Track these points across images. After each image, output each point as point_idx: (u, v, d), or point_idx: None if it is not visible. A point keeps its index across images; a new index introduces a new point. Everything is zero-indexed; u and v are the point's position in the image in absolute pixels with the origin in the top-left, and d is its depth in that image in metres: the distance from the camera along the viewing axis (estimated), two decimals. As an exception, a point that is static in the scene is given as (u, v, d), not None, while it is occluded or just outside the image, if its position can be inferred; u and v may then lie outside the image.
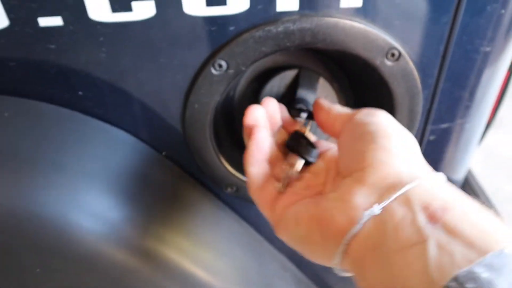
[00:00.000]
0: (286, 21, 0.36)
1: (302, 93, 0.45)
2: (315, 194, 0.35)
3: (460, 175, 0.55)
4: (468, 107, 0.46)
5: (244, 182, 0.47)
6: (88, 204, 0.37)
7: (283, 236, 0.34)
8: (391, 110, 0.42)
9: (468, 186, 0.64)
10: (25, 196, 0.34)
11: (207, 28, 0.36)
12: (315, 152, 0.37)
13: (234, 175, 0.46)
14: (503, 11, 0.39)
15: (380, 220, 0.27)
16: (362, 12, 0.37)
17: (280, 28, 0.36)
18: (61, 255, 0.36)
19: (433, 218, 0.26)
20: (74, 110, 0.40)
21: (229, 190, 0.47)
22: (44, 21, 0.34)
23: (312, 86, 0.46)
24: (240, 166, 0.47)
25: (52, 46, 0.36)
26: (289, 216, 0.34)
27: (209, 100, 0.40)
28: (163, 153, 0.44)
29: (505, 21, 0.40)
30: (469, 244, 0.24)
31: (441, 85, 0.43)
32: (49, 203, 0.35)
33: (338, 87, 0.48)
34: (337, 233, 0.29)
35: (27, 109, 0.38)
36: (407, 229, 0.26)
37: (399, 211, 0.27)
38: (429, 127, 0.46)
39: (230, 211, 0.50)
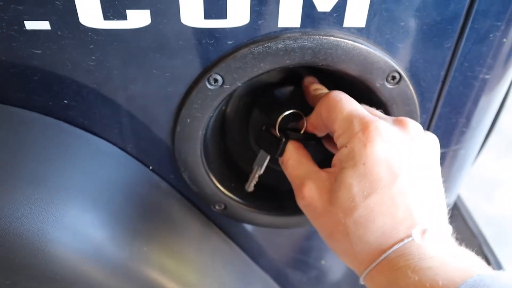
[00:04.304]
0: (287, 38, 0.35)
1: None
2: None
3: (450, 200, 0.55)
4: (463, 133, 0.45)
5: (232, 199, 0.45)
6: (69, 220, 0.35)
7: None
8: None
9: (456, 209, 0.64)
10: None
11: (204, 41, 0.35)
12: (280, 144, 0.38)
13: (223, 192, 0.44)
14: (504, 40, 0.38)
15: None
16: (365, 33, 0.36)
17: (281, 45, 0.35)
18: (37, 275, 0.34)
19: None
20: (58, 119, 0.38)
21: (217, 207, 0.45)
22: (31, 25, 0.32)
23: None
24: (229, 183, 0.45)
25: (38, 51, 0.34)
26: None
27: (202, 115, 0.38)
28: (150, 168, 0.42)
29: (505, 50, 0.39)
30: None
31: (438, 110, 0.42)
32: (26, 219, 0.33)
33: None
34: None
35: (6, 115, 0.36)
36: None
37: None
38: (425, 152, 0.45)
39: (217, 229, 0.48)
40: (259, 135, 0.41)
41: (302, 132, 0.39)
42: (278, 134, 0.39)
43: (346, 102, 0.35)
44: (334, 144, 0.36)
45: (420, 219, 0.31)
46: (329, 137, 0.42)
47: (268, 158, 0.41)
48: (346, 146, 0.33)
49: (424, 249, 0.29)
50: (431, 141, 0.35)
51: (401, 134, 0.33)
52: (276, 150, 0.38)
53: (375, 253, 0.31)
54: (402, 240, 0.30)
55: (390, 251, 0.30)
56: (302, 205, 0.36)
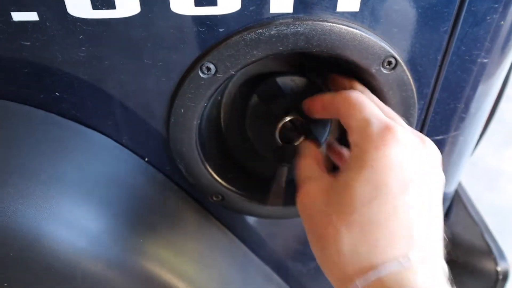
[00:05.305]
0: (280, 24, 0.34)
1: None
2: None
3: (451, 188, 0.54)
4: (462, 119, 0.44)
5: (229, 190, 0.45)
6: (63, 213, 0.35)
7: None
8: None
9: (457, 197, 0.64)
10: (-8, 205, 0.31)
11: (195, 29, 0.34)
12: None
13: (220, 183, 0.44)
14: (502, 22, 0.37)
15: None
16: (359, 17, 0.35)
17: (273, 31, 0.34)
18: (32, 268, 0.34)
19: None
20: (50, 112, 0.37)
21: (214, 199, 0.45)
22: (18, 16, 0.32)
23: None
24: (226, 173, 0.45)
25: (27, 43, 0.33)
26: None
27: (195, 104, 0.37)
28: (146, 159, 0.42)
29: (504, 33, 0.39)
30: None
31: (436, 95, 0.41)
32: (19, 213, 0.32)
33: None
34: None
35: (-2, 109, 0.35)
36: None
37: None
38: (423, 139, 0.44)
39: (215, 220, 0.48)
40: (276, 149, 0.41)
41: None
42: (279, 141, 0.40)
43: (369, 103, 0.33)
44: (338, 155, 0.37)
45: (420, 241, 0.28)
46: (332, 148, 0.42)
47: (286, 169, 0.41)
48: (357, 146, 0.31)
49: (419, 275, 0.26)
50: (440, 170, 0.32)
51: (418, 144, 0.31)
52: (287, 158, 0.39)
53: (364, 267, 0.28)
54: (397, 259, 0.27)
55: (384, 270, 0.27)
56: (300, 204, 0.34)
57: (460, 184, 0.64)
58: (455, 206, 0.61)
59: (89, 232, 0.36)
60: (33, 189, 0.33)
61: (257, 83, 0.44)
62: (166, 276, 0.40)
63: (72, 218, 0.35)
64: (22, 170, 0.34)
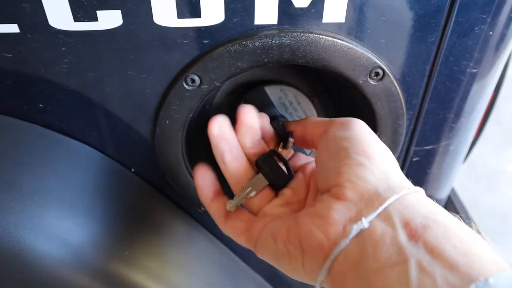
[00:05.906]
0: (264, 36, 0.34)
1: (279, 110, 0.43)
2: (294, 211, 0.33)
3: (443, 195, 0.53)
4: (453, 129, 0.44)
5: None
6: (46, 226, 0.34)
7: (262, 254, 0.33)
8: (374, 130, 0.40)
9: (449, 201, 0.63)
10: (-28, 220, 0.31)
11: (179, 41, 0.34)
12: (285, 177, 0.35)
13: (207, 194, 0.44)
14: (491, 32, 0.37)
15: (360, 237, 0.26)
16: (345, 28, 0.35)
17: (258, 43, 0.34)
18: (14, 282, 0.33)
19: (413, 236, 0.24)
20: (34, 123, 0.37)
21: (202, 208, 0.45)
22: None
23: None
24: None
25: (9, 55, 0.33)
26: (267, 234, 0.32)
27: (181, 116, 0.37)
28: (132, 170, 0.42)
29: (493, 43, 0.38)
30: (452, 267, 0.22)
31: (426, 106, 0.41)
32: (0, 225, 0.32)
33: (319, 103, 0.46)
34: (317, 249, 0.28)
35: (-19, 121, 0.35)
36: (387, 247, 0.25)
37: (379, 228, 0.26)
38: (413, 149, 0.44)
39: (204, 229, 0.48)
40: (264, 158, 0.36)
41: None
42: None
43: None
44: None
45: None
46: None
47: (267, 184, 0.36)
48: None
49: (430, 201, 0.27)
50: None
51: None
52: (279, 180, 0.36)
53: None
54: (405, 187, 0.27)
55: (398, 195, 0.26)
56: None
57: (453, 191, 0.64)
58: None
59: (73, 245, 0.36)
60: (15, 202, 0.33)
61: (245, 92, 0.44)
62: (154, 286, 0.40)
63: (55, 231, 0.35)
64: (3, 182, 0.33)
